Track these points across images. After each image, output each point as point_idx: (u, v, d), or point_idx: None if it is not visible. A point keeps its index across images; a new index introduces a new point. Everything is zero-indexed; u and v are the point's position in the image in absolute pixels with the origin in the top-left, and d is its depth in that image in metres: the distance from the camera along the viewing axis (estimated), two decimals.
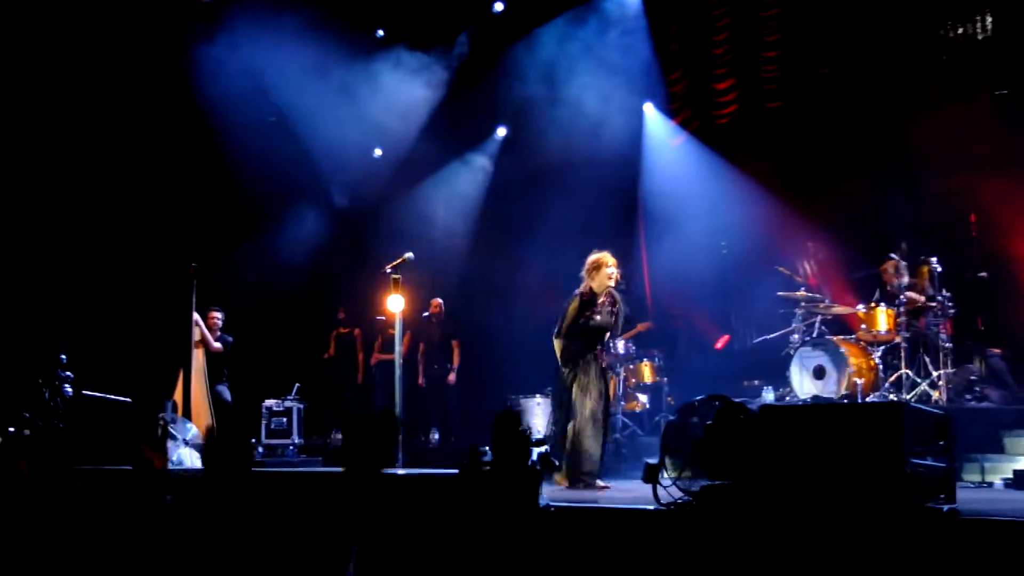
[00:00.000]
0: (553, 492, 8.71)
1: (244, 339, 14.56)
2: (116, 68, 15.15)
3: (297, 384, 14.38)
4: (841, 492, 6.44)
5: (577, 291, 10.17)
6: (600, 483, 9.70)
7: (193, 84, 15.20)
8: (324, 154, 16.51)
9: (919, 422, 6.83)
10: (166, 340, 13.83)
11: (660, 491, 7.28)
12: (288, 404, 14.08)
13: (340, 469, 6.71)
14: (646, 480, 7.44)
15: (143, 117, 15.54)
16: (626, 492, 9.06)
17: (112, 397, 12.56)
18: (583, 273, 10.21)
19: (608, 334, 10.60)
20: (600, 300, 10.10)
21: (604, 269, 10.08)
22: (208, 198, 16.30)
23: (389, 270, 10.67)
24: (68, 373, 12.49)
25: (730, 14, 15.95)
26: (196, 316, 13.08)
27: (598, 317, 10.05)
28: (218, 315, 13.93)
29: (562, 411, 10.07)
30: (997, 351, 12.47)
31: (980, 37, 13.82)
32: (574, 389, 9.91)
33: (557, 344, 10.16)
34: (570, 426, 9.81)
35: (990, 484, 9.82)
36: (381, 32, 16.98)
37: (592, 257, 10.21)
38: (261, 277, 16.14)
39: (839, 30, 14.84)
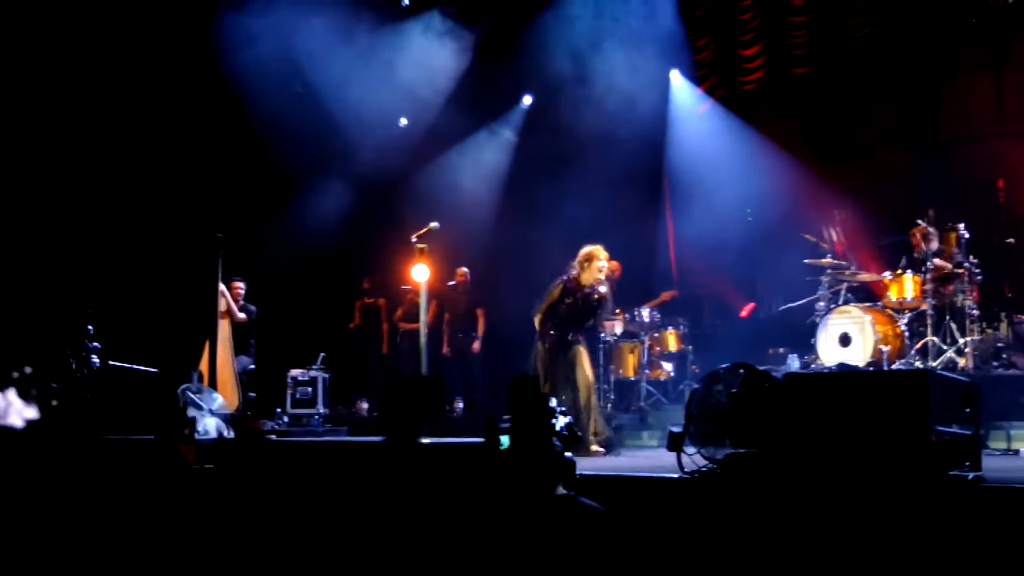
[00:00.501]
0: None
1: (269, 309, 14.61)
2: (143, 37, 15.13)
3: (322, 354, 14.42)
4: (866, 460, 6.42)
5: (563, 277, 10.59)
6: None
7: (220, 52, 15.16)
8: (351, 123, 16.45)
9: (945, 390, 6.79)
10: (192, 310, 13.89)
11: (684, 459, 7.28)
12: (313, 374, 14.15)
13: (374, 438, 6.74)
14: (671, 448, 7.44)
15: (169, 86, 15.53)
16: (651, 460, 9.06)
17: (139, 367, 12.63)
18: (575, 263, 10.46)
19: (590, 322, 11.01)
20: (584, 292, 10.48)
21: (595, 263, 10.55)
22: (234, 168, 16.29)
23: (415, 239, 10.67)
24: (95, 344, 12.55)
25: None
26: (222, 286, 13.11)
27: (575, 309, 10.50)
28: (241, 285, 13.97)
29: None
30: None
31: (1011, 0, 13.65)
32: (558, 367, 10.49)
33: (536, 320, 10.63)
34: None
35: (1016, 452, 9.77)
36: (407, 1, 16.92)
37: (585, 250, 10.68)
38: (286, 247, 16.17)
39: None
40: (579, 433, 9.33)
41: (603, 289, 10.75)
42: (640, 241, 16.36)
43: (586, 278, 10.59)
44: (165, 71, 15.41)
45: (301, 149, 16.17)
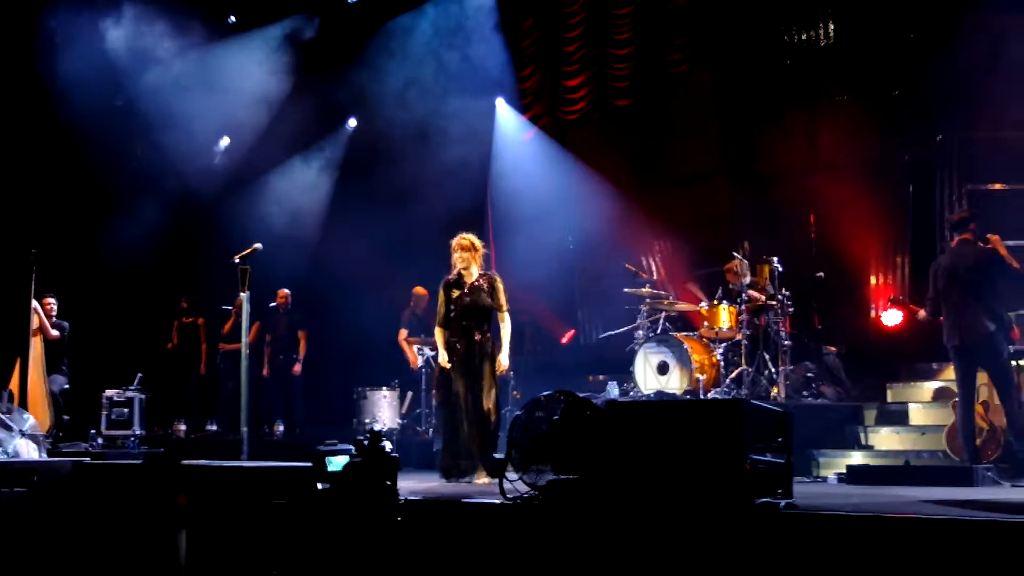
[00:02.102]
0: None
1: (84, 327, 14.25)
2: None
3: (139, 374, 14.10)
4: (684, 487, 6.57)
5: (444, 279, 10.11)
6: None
7: (38, 56, 14.80)
8: (172, 140, 16.16)
9: (759, 418, 6.98)
10: (2, 328, 13.46)
11: (507, 485, 7.34)
12: (130, 394, 13.78)
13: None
14: (493, 474, 7.50)
15: None
16: (472, 486, 9.10)
17: None
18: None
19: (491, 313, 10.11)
20: (471, 281, 9.92)
21: (453, 250, 9.99)
22: (50, 180, 15.87)
23: (238, 260, 10.52)
24: None
25: (584, 10, 16.16)
26: (35, 303, 12.75)
27: (467, 298, 9.86)
28: (52, 301, 13.61)
29: (450, 408, 9.86)
30: (832, 349, 12.91)
31: (823, 43, 14.19)
32: (460, 383, 9.79)
33: (438, 337, 10.02)
34: (466, 422, 9.67)
35: (824, 479, 10.11)
36: (233, 18, 16.76)
37: (452, 241, 10.11)
38: (103, 263, 15.80)
39: (689, 31, 15.11)
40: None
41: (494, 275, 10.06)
42: None
43: (461, 266, 9.95)
44: None
45: (121, 163, 15.87)
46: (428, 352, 13.83)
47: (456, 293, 9.91)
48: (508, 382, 14.32)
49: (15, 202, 15.29)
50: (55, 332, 13.33)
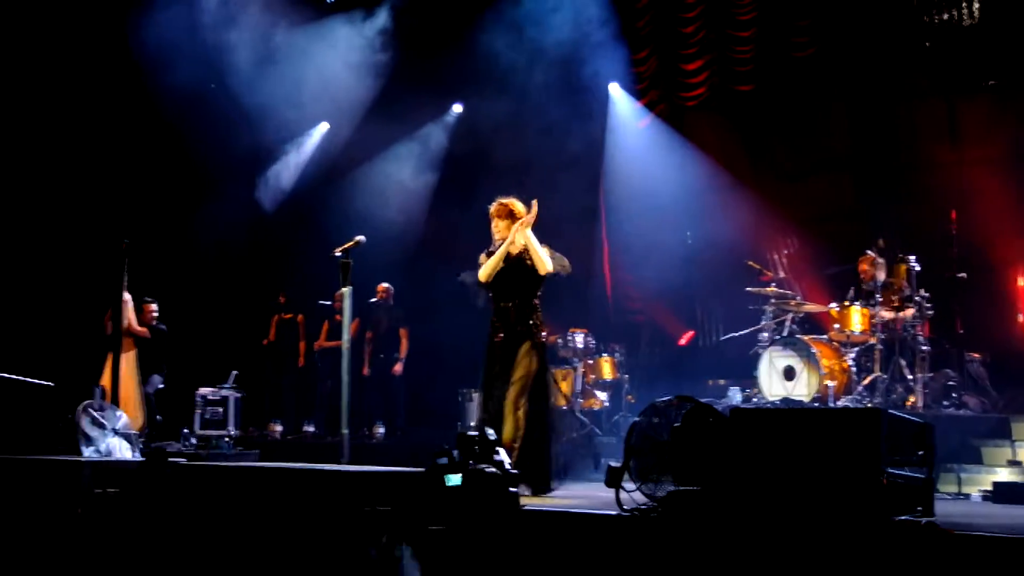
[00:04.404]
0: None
1: (178, 323, 14.45)
2: (49, 26, 14.96)
3: (234, 372, 14.27)
4: (814, 501, 6.47)
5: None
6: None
7: (131, 42, 15.02)
8: (268, 125, 16.32)
9: (897, 429, 6.86)
10: (94, 321, 13.72)
11: (624, 495, 7.29)
12: (224, 393, 13.96)
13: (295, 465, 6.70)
14: (609, 484, 7.44)
15: (74, 78, 15.34)
16: (585, 496, 9.04)
17: (32, 380, 12.39)
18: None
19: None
20: (515, 254, 9.19)
21: (491, 218, 9.30)
22: (142, 169, 16.11)
23: (339, 254, 10.56)
24: None
25: None
26: (127, 296, 12.95)
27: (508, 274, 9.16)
28: (153, 307, 13.88)
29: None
30: (976, 356, 12.61)
31: (966, 23, 13.90)
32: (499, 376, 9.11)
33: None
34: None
35: (967, 496, 9.92)
36: None
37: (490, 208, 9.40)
38: (197, 255, 16.04)
39: (818, 12, 14.89)
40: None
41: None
42: (574, 262, 16.39)
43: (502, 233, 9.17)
44: (71, 62, 15.22)
45: (215, 151, 16.01)
46: None
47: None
48: (622, 385, 14.27)
49: (105, 192, 15.55)
50: (141, 329, 13.53)
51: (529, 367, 9.01)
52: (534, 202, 9.03)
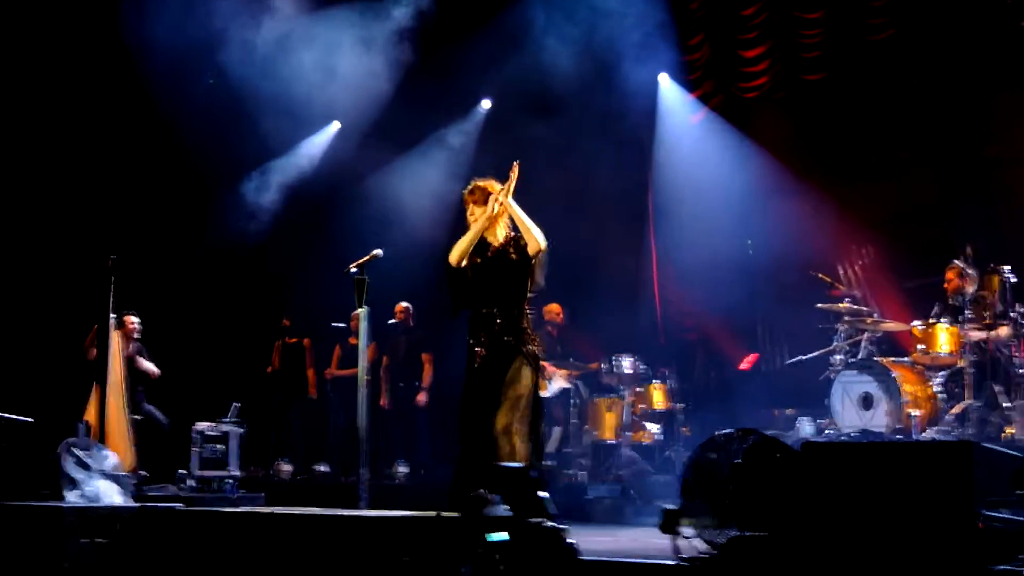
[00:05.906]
0: None
1: (170, 348, 14.49)
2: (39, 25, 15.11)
3: (235, 404, 14.27)
4: (898, 549, 6.43)
5: None
6: None
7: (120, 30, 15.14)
8: (271, 125, 16.36)
9: (993, 465, 6.82)
10: (77, 349, 13.76)
11: (681, 542, 7.26)
12: (225, 428, 13.95)
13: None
14: (664, 529, 7.41)
15: (58, 70, 15.46)
16: (636, 541, 9.02)
17: (8, 416, 12.44)
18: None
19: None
20: (496, 244, 9.00)
21: (465, 204, 9.17)
22: (132, 177, 16.19)
23: (354, 270, 10.56)
24: None
25: None
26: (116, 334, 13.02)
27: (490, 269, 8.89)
28: (135, 320, 13.85)
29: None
30: None
31: None
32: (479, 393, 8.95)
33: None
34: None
35: None
36: None
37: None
38: (192, 272, 16.08)
39: None
40: None
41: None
42: (619, 275, 16.41)
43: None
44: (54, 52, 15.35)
45: (212, 155, 16.06)
46: (559, 382, 13.83)
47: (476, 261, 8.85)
48: (675, 416, 14.23)
49: (91, 205, 15.62)
50: (151, 368, 13.64)
51: (524, 385, 8.63)
52: (515, 163, 8.82)
